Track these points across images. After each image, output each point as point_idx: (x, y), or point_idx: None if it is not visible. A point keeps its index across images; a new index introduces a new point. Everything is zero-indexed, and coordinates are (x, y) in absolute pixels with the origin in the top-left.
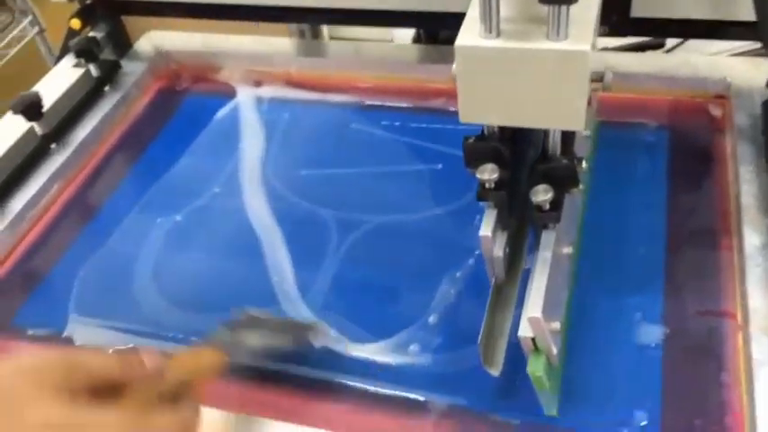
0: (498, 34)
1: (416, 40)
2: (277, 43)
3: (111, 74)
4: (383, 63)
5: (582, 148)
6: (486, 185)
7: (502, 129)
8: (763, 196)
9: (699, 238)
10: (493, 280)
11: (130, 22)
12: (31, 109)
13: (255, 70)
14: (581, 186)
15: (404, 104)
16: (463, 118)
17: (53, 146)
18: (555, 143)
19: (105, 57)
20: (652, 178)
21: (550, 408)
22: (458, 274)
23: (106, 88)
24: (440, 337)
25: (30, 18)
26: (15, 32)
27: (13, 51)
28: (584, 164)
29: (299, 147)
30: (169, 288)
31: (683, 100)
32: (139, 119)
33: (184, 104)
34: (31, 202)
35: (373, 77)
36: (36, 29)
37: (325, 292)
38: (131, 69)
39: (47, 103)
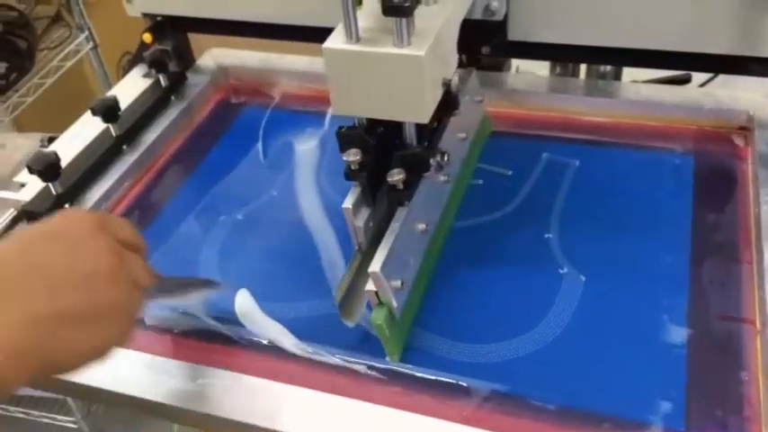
0: (358, 40)
1: (459, 64)
2: (312, 62)
3: (177, 85)
4: None
5: (457, 147)
6: (352, 167)
7: (370, 120)
8: None
9: (721, 251)
10: (356, 246)
11: (195, 39)
12: (110, 112)
13: (307, 87)
14: (443, 177)
15: None
16: (334, 111)
17: (125, 147)
18: (411, 134)
19: (172, 69)
20: (678, 197)
21: (393, 354)
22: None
23: (173, 97)
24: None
25: (86, 34)
26: (72, 47)
27: (69, 64)
28: (445, 157)
29: None
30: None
31: (708, 129)
32: (201, 127)
33: (242, 115)
34: (105, 196)
35: None
36: (91, 44)
37: None
38: (195, 82)
39: (121, 108)
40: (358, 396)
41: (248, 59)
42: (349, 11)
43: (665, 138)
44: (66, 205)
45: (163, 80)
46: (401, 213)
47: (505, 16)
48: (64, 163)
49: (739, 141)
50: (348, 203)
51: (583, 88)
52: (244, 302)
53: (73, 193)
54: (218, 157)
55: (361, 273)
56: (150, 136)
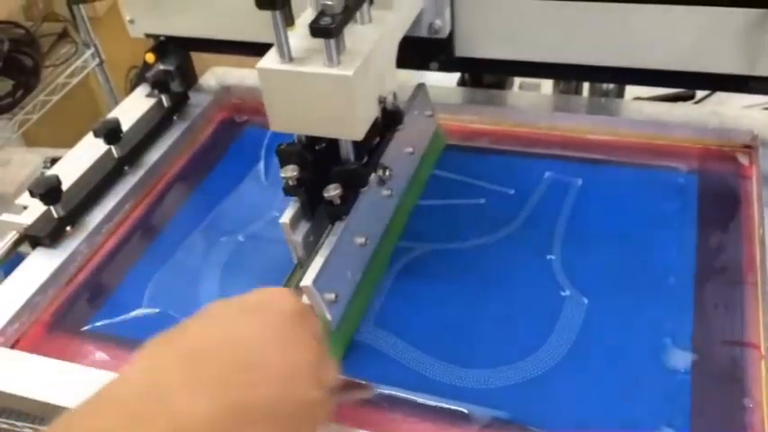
0: (291, 60)
1: (461, 83)
2: None
3: (180, 104)
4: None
5: (403, 162)
6: (290, 183)
7: (309, 137)
8: None
9: (726, 272)
10: (295, 261)
11: (198, 57)
12: (112, 134)
13: None
14: (386, 191)
15: (449, 142)
16: (272, 127)
17: (126, 168)
18: (348, 150)
19: (174, 89)
20: (682, 217)
21: None
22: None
23: (175, 117)
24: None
25: (92, 50)
26: (78, 63)
27: (75, 81)
28: (387, 172)
29: None
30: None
31: (712, 148)
32: (204, 146)
33: (244, 135)
34: (106, 218)
35: None
36: (97, 60)
37: (377, 311)
38: (197, 101)
39: (123, 129)
40: (356, 423)
41: (250, 78)
42: (280, 31)
43: (669, 156)
44: (68, 228)
45: (165, 100)
46: (338, 228)
47: (450, 34)
48: (65, 185)
49: (744, 160)
50: (285, 218)
51: (585, 106)
52: None
53: (74, 216)
54: (220, 177)
55: (298, 287)
56: (152, 157)
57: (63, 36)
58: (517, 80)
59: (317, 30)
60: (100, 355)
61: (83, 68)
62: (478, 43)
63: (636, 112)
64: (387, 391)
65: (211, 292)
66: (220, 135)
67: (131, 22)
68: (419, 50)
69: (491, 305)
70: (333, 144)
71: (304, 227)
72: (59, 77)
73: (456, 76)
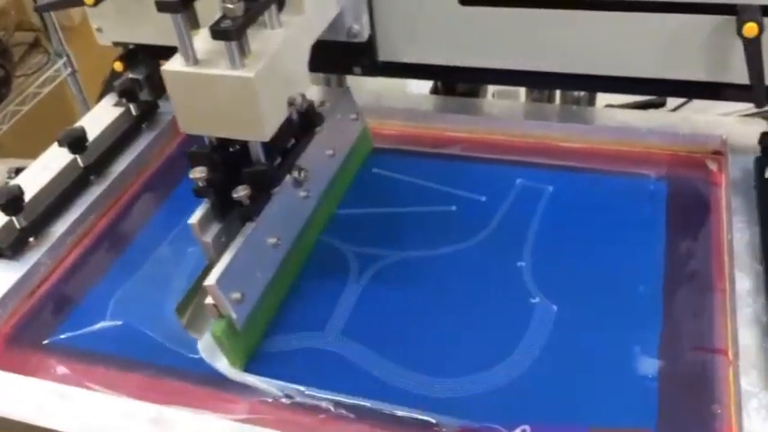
0: (196, 62)
1: (434, 91)
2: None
3: (148, 113)
4: (404, 112)
5: (323, 164)
6: (199, 184)
7: (220, 139)
8: (753, 244)
9: (694, 279)
10: (207, 261)
11: None
12: (77, 143)
13: None
14: (303, 193)
15: (421, 150)
16: (182, 129)
17: (92, 177)
18: (257, 152)
19: (143, 97)
20: (651, 224)
21: (235, 364)
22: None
23: (144, 126)
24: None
25: (64, 60)
26: (50, 72)
27: (47, 90)
28: (302, 173)
29: None
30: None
31: (681, 154)
32: (172, 156)
33: None
34: (70, 229)
35: (394, 125)
36: (69, 70)
37: (346, 319)
38: (167, 110)
39: (89, 138)
40: None
41: None
42: (183, 35)
43: (640, 163)
44: (31, 239)
45: (133, 109)
46: (247, 228)
47: (371, 38)
48: (29, 195)
49: (713, 166)
50: (194, 219)
51: (557, 114)
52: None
53: (37, 227)
54: (188, 187)
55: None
56: (119, 166)
57: (35, 45)
58: (491, 89)
59: (216, 32)
60: (61, 370)
61: (55, 78)
62: (400, 48)
63: (607, 119)
64: (353, 401)
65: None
66: (190, 144)
67: (99, 30)
68: (343, 54)
69: (461, 313)
70: (245, 146)
71: (215, 228)
72: (31, 87)
73: (429, 84)
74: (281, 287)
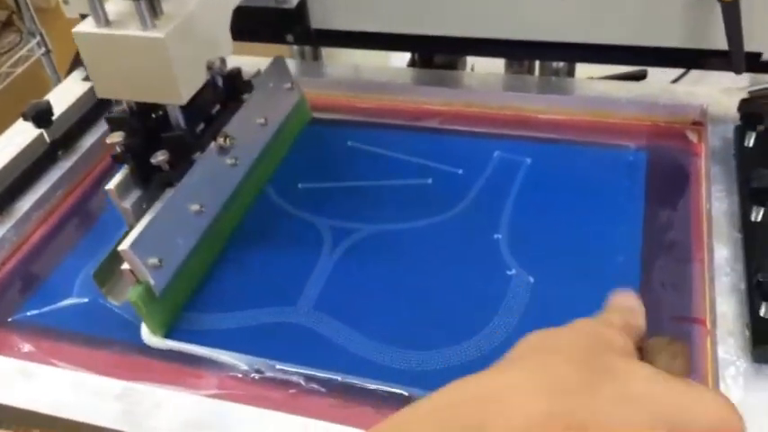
0: (107, 23)
1: (411, 63)
2: None
3: None
4: (380, 85)
5: (253, 132)
6: (118, 149)
7: (140, 104)
8: (732, 213)
9: (673, 250)
10: (128, 227)
11: None
12: (42, 116)
13: None
14: (230, 160)
15: (398, 123)
16: (98, 94)
17: (60, 153)
18: (176, 117)
19: None
20: (630, 195)
21: (155, 331)
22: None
23: (113, 101)
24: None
25: (37, 39)
26: (23, 52)
27: (19, 70)
28: (228, 140)
29: (297, 162)
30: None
31: (661, 125)
32: None
33: None
34: (37, 204)
35: (370, 98)
36: (43, 49)
37: (318, 293)
38: None
39: (56, 112)
40: (294, 410)
41: None
42: None
43: (619, 134)
44: None
45: None
46: (166, 194)
47: (301, 4)
48: None
49: (693, 137)
50: (111, 185)
51: (536, 86)
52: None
53: (2, 203)
54: None
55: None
56: (87, 141)
57: (8, 24)
58: (469, 61)
59: None
60: (27, 347)
61: (28, 57)
62: (333, 14)
63: (587, 90)
64: (323, 374)
65: None
66: None
67: (65, 2)
68: (274, 22)
69: (436, 286)
70: (167, 111)
71: (135, 194)
72: (3, 67)
73: (406, 56)
74: (208, 254)
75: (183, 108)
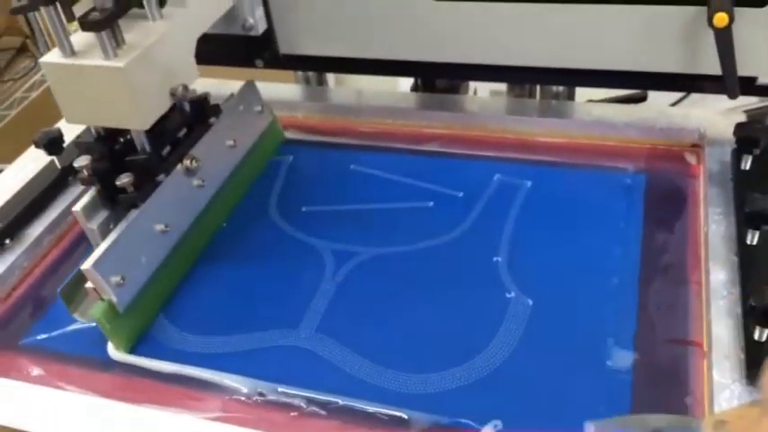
0: (73, 54)
1: (414, 88)
2: (285, 89)
3: None
4: (383, 109)
5: (222, 154)
6: (85, 172)
7: (108, 129)
8: (729, 236)
9: (670, 272)
10: (94, 247)
11: None
12: (53, 144)
13: None
14: (197, 181)
15: (400, 146)
16: (66, 120)
17: (71, 178)
18: (141, 141)
19: None
20: (628, 217)
21: (118, 347)
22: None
23: None
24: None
25: None
26: (37, 77)
27: (34, 95)
28: (194, 162)
29: (301, 185)
30: (179, 315)
31: (660, 148)
32: None
33: None
34: (48, 229)
35: (372, 122)
36: None
37: (320, 316)
38: None
39: (67, 139)
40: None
41: (201, 86)
42: (57, 27)
43: (618, 157)
44: (7, 241)
45: None
46: (131, 215)
47: (268, 32)
48: (4, 198)
49: (691, 159)
50: (78, 207)
51: (536, 109)
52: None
53: (13, 229)
54: None
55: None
56: None
57: (22, 50)
58: (471, 85)
59: (84, 24)
60: (36, 370)
61: (42, 83)
62: (300, 41)
63: (586, 113)
64: (324, 397)
65: None
66: None
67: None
68: (244, 47)
69: (436, 309)
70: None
71: (102, 215)
72: (18, 92)
73: (409, 81)
74: (174, 272)
75: (148, 132)
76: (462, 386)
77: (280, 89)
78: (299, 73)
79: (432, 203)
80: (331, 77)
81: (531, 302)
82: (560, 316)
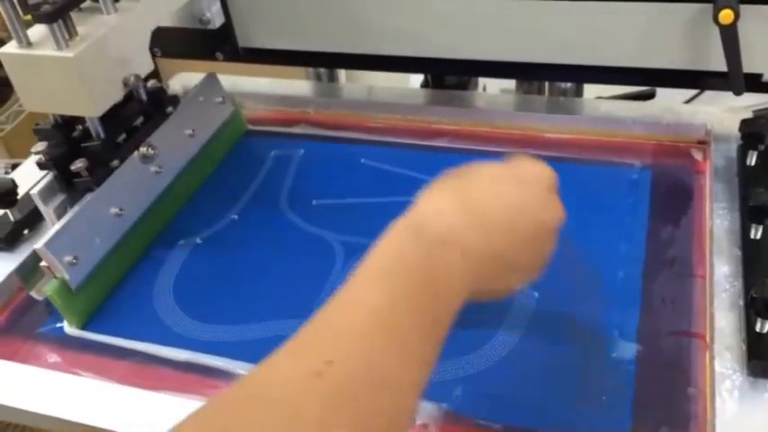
0: (29, 45)
1: (424, 84)
2: (296, 86)
3: None
4: (393, 105)
5: (180, 143)
6: (42, 157)
7: (63, 117)
8: (733, 230)
9: (675, 266)
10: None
11: (166, 63)
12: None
13: (273, 109)
14: (154, 168)
15: (409, 142)
16: (25, 107)
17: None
18: (96, 128)
19: None
20: (634, 212)
21: (71, 323)
22: None
23: None
24: None
25: None
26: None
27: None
28: (150, 150)
29: (311, 179)
30: (189, 302)
31: (666, 144)
32: None
33: None
34: None
35: (383, 118)
36: None
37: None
38: None
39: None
40: None
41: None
42: (13, 20)
43: (624, 153)
44: (25, 231)
45: None
46: (85, 198)
47: (227, 25)
48: (24, 189)
49: (698, 156)
50: (35, 190)
51: (544, 106)
52: None
53: (32, 220)
54: None
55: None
56: None
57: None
58: (481, 82)
59: (36, 15)
60: (53, 357)
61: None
62: (257, 34)
63: (593, 110)
64: None
65: (165, 291)
66: None
67: None
68: (204, 41)
69: None
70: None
71: (58, 199)
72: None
73: (419, 78)
74: (129, 254)
75: (103, 120)
76: (467, 376)
77: (291, 85)
78: (311, 70)
79: None
80: (342, 75)
81: (537, 295)
82: (565, 308)
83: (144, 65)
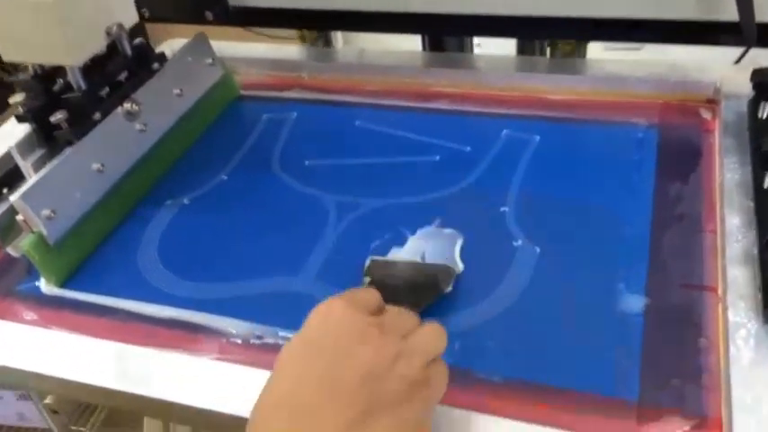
0: None
1: (423, 48)
2: (290, 50)
3: None
4: (390, 68)
5: (168, 101)
6: (19, 109)
7: (46, 68)
8: (744, 183)
9: (683, 221)
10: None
11: (155, 28)
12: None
13: (266, 74)
14: (139, 125)
15: (406, 104)
16: (3, 57)
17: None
18: (77, 79)
19: None
20: (640, 170)
21: (49, 281)
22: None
23: None
24: None
25: None
26: None
27: None
28: (134, 106)
29: (305, 141)
30: (174, 260)
31: (674, 103)
32: None
33: None
34: None
35: (378, 80)
36: None
37: (321, 264)
38: None
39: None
40: None
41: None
42: None
43: (630, 112)
44: (4, 190)
45: None
46: (65, 152)
47: None
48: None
49: (706, 114)
50: (13, 143)
51: (546, 66)
52: None
53: (11, 179)
54: None
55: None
56: None
57: None
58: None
59: None
60: (30, 315)
61: None
62: None
63: (597, 69)
64: None
65: (149, 249)
66: None
67: None
68: (193, 0)
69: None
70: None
71: (38, 153)
72: None
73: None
74: (111, 213)
75: (85, 71)
76: (465, 331)
77: (284, 50)
78: (305, 33)
79: (438, 157)
80: (339, 42)
81: (538, 250)
82: (568, 263)
83: (128, 15)
